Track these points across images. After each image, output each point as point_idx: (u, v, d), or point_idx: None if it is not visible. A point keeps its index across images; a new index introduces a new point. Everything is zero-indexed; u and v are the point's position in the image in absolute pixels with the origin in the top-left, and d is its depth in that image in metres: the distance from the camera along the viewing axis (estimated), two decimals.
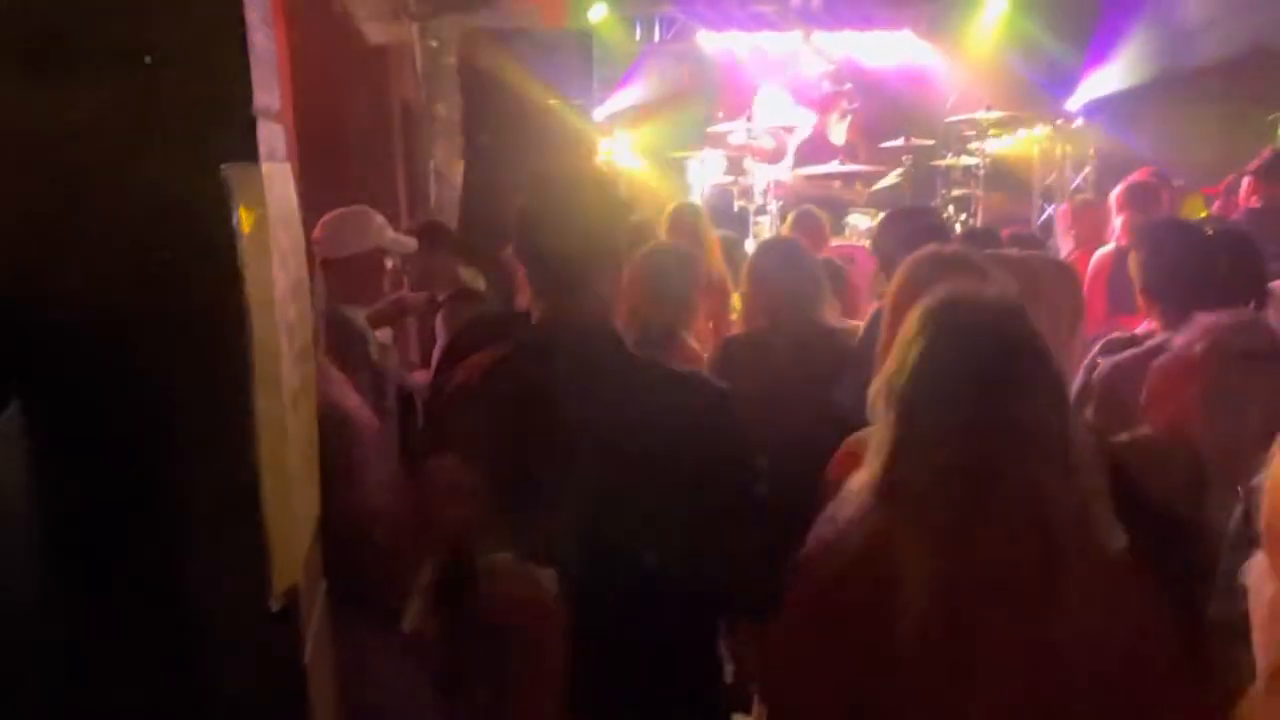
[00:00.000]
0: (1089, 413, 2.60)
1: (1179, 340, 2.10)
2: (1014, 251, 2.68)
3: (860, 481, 1.52)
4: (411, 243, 3.56)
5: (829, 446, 1.99)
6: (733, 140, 8.84)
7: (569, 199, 1.88)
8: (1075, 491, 1.44)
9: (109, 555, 0.90)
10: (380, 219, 3.34)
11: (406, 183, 6.04)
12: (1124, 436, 2.12)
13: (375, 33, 5.77)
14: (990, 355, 1.46)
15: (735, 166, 8.43)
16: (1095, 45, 8.06)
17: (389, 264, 3.42)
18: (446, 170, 6.68)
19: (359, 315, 3.30)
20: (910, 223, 3.07)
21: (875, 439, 1.52)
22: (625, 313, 2.57)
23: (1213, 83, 7.30)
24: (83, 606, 0.90)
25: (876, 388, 1.54)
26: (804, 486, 1.87)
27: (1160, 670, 1.41)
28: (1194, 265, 2.67)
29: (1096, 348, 2.83)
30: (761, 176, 8.21)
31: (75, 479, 0.89)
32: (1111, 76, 8.01)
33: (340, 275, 3.22)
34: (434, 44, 6.38)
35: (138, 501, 0.90)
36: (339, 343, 3.05)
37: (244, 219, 0.90)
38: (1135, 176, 4.54)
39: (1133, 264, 2.84)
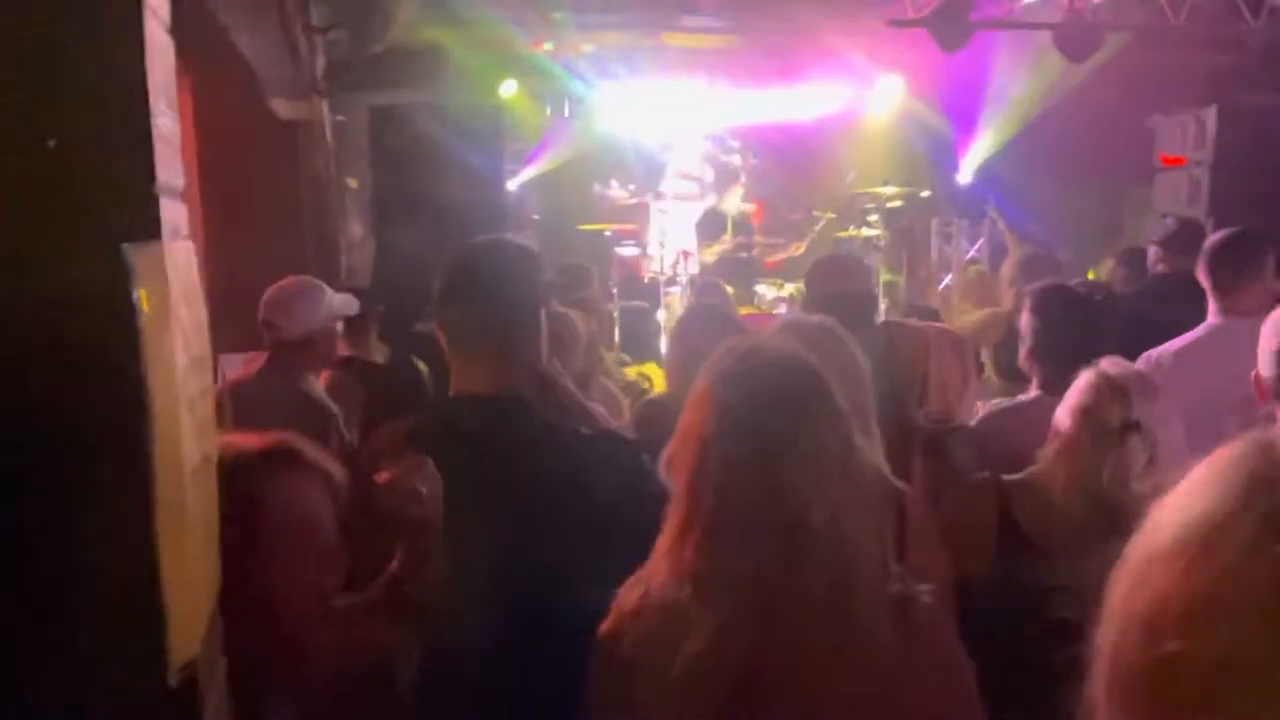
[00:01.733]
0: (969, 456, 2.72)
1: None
2: (910, 321, 2.82)
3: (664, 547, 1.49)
4: (355, 303, 3.55)
5: None
6: (596, 189, 9.12)
7: (487, 272, 1.92)
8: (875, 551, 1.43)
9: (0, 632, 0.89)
10: (324, 285, 3.33)
11: (317, 257, 6.01)
12: (1016, 476, 2.22)
13: (284, 108, 5.78)
14: (778, 398, 1.43)
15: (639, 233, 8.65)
16: (975, 120, 8.49)
17: (339, 328, 3.42)
18: (358, 244, 6.67)
19: (319, 389, 3.27)
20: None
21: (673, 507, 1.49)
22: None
23: (1079, 157, 7.71)
24: None
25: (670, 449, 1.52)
26: None
27: None
28: (1078, 330, 2.81)
29: (983, 410, 2.97)
30: (671, 248, 8.39)
31: None
32: (985, 150, 8.43)
33: (299, 353, 3.18)
34: (343, 119, 6.41)
35: (31, 579, 0.89)
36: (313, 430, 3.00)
37: (145, 298, 0.91)
38: (1028, 249, 4.78)
39: (1022, 325, 2.98)
